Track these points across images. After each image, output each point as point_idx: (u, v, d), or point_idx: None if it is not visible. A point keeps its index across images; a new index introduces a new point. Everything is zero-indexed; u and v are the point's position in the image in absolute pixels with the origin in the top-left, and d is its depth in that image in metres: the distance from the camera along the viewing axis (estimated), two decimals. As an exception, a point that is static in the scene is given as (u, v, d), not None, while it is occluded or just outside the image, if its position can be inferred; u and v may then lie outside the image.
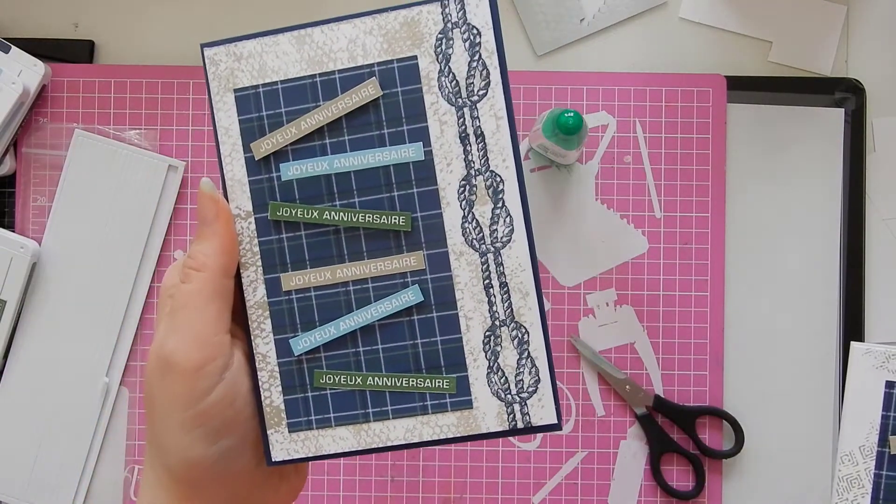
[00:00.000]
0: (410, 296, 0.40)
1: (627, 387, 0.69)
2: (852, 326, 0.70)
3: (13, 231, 0.70)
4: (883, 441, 0.66)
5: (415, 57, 0.40)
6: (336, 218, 0.40)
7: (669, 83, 0.70)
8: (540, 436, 0.69)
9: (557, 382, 0.69)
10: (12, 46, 0.68)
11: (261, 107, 0.41)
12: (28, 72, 0.68)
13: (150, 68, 0.71)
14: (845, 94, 0.71)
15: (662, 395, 0.69)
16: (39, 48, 0.70)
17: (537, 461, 0.69)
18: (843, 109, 0.70)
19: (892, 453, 0.66)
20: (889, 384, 0.67)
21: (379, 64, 0.40)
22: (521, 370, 0.40)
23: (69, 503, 0.69)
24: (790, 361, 0.70)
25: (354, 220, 0.40)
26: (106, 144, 0.69)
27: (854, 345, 0.68)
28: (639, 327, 0.70)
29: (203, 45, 0.41)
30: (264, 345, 0.41)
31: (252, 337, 0.41)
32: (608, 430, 0.69)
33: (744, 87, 0.70)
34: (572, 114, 0.60)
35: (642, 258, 0.70)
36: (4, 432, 0.69)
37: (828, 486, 0.69)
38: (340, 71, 0.41)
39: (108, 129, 0.70)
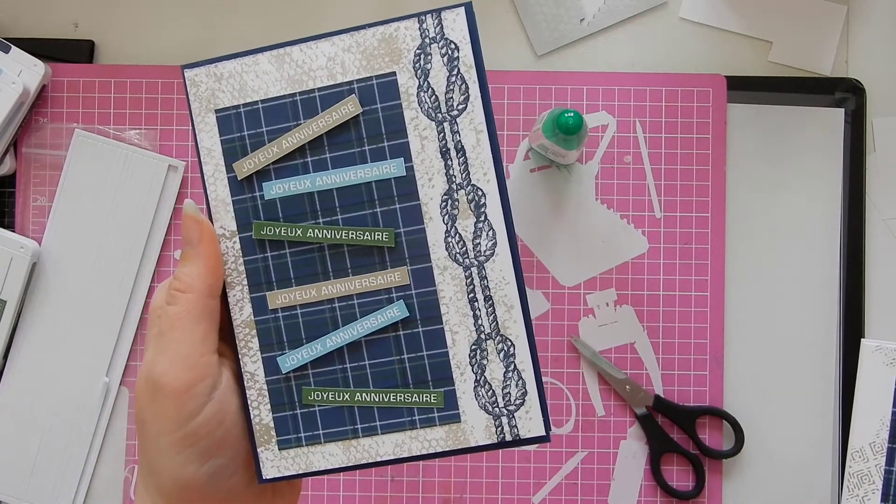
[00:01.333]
0: (396, 311, 0.40)
1: (627, 387, 0.69)
2: (852, 326, 0.70)
3: (13, 231, 0.70)
4: (893, 437, 0.66)
5: (394, 73, 0.40)
6: (320, 235, 0.40)
7: (669, 83, 0.70)
8: (540, 436, 0.69)
9: (557, 382, 0.69)
10: (12, 46, 0.68)
11: (242, 126, 0.41)
12: (28, 72, 0.68)
13: (150, 68, 0.71)
14: (845, 94, 0.71)
15: (662, 395, 0.69)
16: (39, 48, 0.70)
17: (537, 461, 0.69)
18: (843, 109, 0.70)
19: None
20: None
21: (358, 81, 0.40)
22: (508, 383, 0.40)
23: (69, 503, 0.69)
24: (790, 361, 0.70)
25: (338, 237, 0.40)
26: (106, 144, 0.69)
27: (864, 342, 0.68)
28: (639, 327, 0.70)
29: (183, 67, 0.42)
30: (252, 363, 0.41)
31: (240, 356, 0.41)
32: (608, 430, 0.69)
33: (744, 87, 0.70)
34: (572, 114, 0.60)
35: (642, 258, 0.70)
36: (4, 432, 0.69)
37: (828, 485, 0.69)
38: (320, 89, 0.41)
39: (108, 129, 0.70)
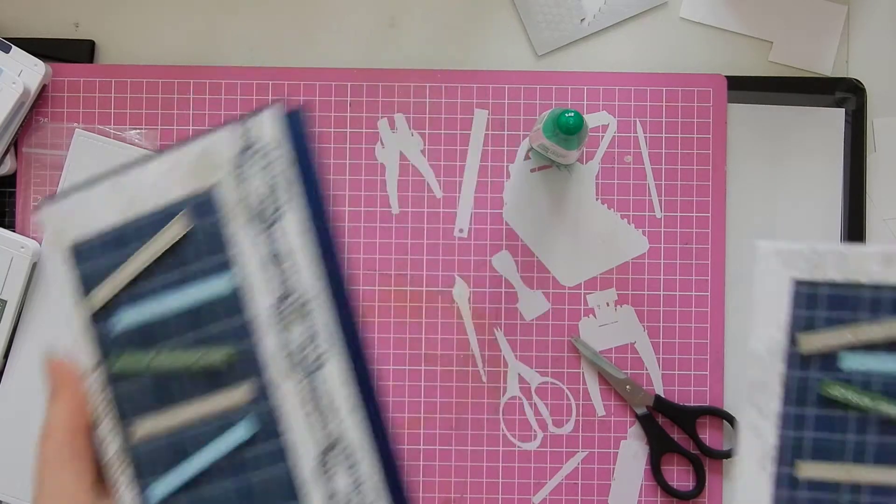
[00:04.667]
0: (241, 431, 0.40)
1: (628, 387, 0.69)
2: (852, 326, 0.70)
3: (13, 231, 0.70)
4: (791, 341, 0.63)
5: (214, 186, 0.40)
6: (165, 362, 0.40)
7: (669, 83, 0.70)
8: (540, 436, 0.69)
9: (557, 382, 0.69)
10: (13, 46, 0.68)
11: (92, 259, 0.41)
12: (29, 71, 0.68)
13: (150, 68, 0.71)
14: (845, 94, 0.71)
15: (663, 395, 0.69)
16: (40, 48, 0.70)
17: (537, 461, 0.69)
18: (843, 109, 0.70)
19: (801, 351, 0.63)
20: (796, 283, 0.63)
21: (184, 199, 0.40)
22: (356, 494, 0.39)
23: (69, 503, 0.69)
24: (790, 361, 0.70)
25: (181, 362, 0.40)
26: (106, 144, 0.69)
27: (760, 243, 0.64)
28: (639, 327, 0.70)
29: (36, 209, 0.42)
30: (128, 496, 0.41)
31: (114, 490, 0.41)
32: (608, 430, 0.69)
33: (744, 87, 0.70)
34: (573, 114, 0.60)
35: (642, 258, 0.70)
36: (4, 432, 0.69)
37: (828, 486, 0.69)
38: (152, 213, 0.40)
39: (109, 129, 0.70)
